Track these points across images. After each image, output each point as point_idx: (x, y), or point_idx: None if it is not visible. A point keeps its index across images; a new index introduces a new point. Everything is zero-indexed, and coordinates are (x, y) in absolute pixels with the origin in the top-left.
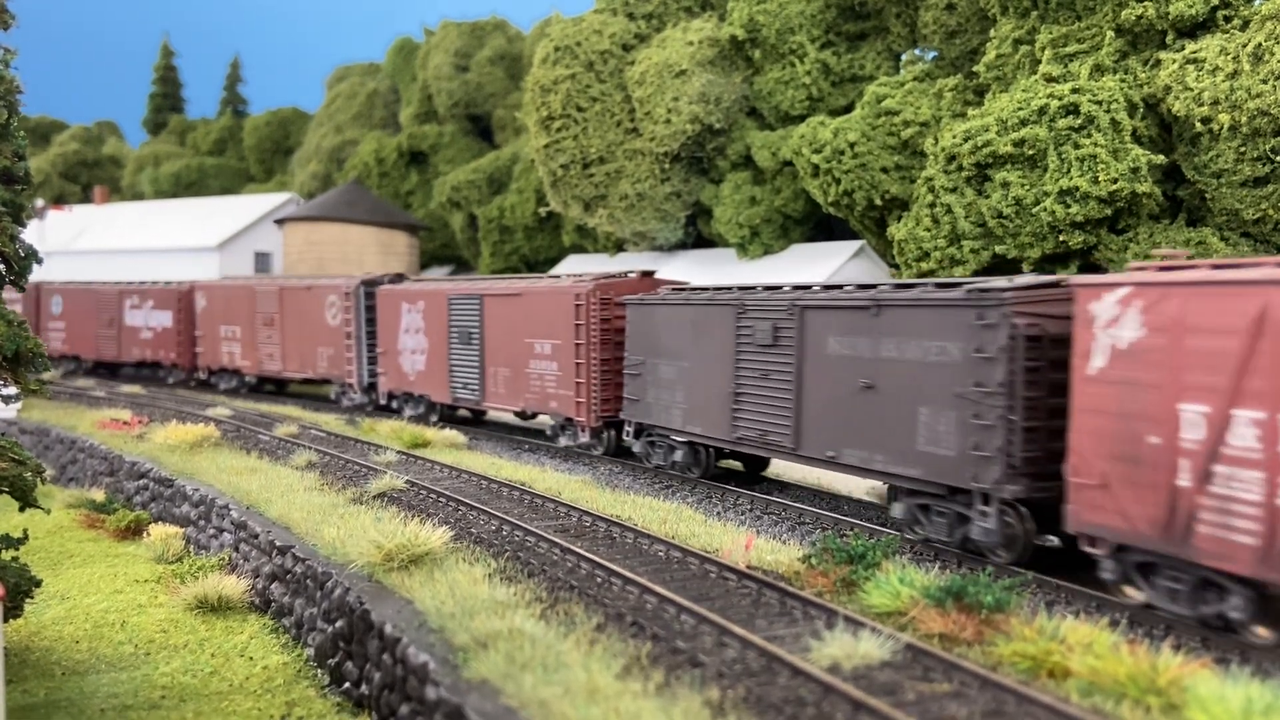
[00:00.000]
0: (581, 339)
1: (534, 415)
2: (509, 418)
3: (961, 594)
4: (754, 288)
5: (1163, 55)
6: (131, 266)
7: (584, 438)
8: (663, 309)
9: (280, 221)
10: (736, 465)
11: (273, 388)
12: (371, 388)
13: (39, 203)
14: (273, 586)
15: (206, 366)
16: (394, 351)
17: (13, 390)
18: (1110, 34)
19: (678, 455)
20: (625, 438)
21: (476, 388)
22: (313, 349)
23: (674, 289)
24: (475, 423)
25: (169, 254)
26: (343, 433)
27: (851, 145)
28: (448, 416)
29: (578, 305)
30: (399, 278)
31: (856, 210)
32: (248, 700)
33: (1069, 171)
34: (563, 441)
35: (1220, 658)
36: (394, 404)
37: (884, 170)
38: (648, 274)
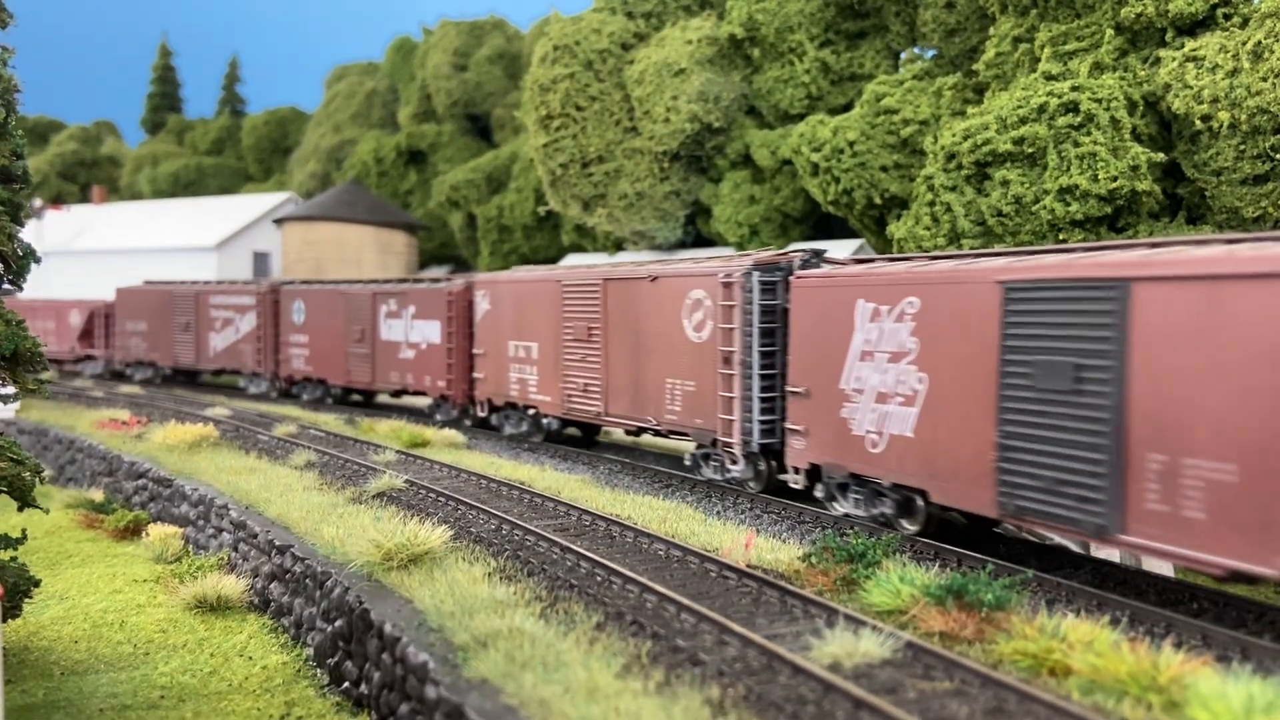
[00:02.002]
0: None
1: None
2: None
3: (962, 592)
4: None
5: (1162, 53)
6: (129, 266)
7: None
8: None
9: (279, 221)
10: None
11: (576, 431)
12: (767, 453)
13: (37, 202)
14: (272, 586)
15: (487, 399)
16: (830, 392)
17: (11, 390)
18: (1110, 32)
19: None
20: None
21: (1098, 491)
22: (657, 381)
23: None
24: (972, 539)
25: (167, 254)
26: (341, 432)
27: (851, 144)
28: (944, 528)
29: None
30: (816, 256)
31: (856, 209)
32: (247, 700)
33: (1069, 169)
34: None
35: (1222, 655)
36: (816, 489)
37: (883, 169)
38: None
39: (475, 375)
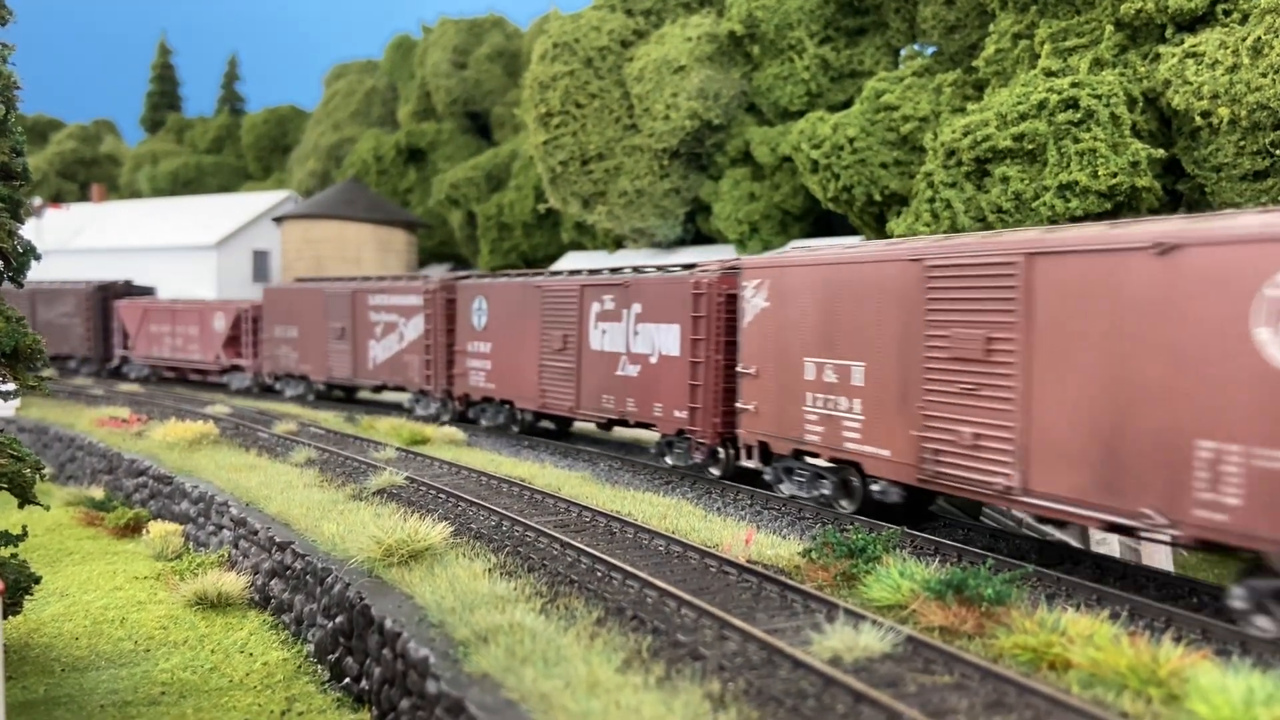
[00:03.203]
0: None
1: None
2: None
3: (962, 587)
4: None
5: (1162, 49)
6: (129, 265)
7: None
8: None
9: (278, 219)
10: None
11: (907, 495)
12: None
13: (36, 201)
14: (272, 583)
15: (758, 442)
16: None
17: (11, 387)
18: (1109, 28)
19: None
20: None
21: None
22: (1166, 440)
23: None
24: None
25: (166, 252)
26: (342, 430)
27: (851, 140)
28: None
29: None
30: None
31: (856, 206)
32: (248, 696)
33: (1068, 166)
34: None
35: (1221, 649)
36: None
37: (883, 165)
38: None
39: (740, 405)
